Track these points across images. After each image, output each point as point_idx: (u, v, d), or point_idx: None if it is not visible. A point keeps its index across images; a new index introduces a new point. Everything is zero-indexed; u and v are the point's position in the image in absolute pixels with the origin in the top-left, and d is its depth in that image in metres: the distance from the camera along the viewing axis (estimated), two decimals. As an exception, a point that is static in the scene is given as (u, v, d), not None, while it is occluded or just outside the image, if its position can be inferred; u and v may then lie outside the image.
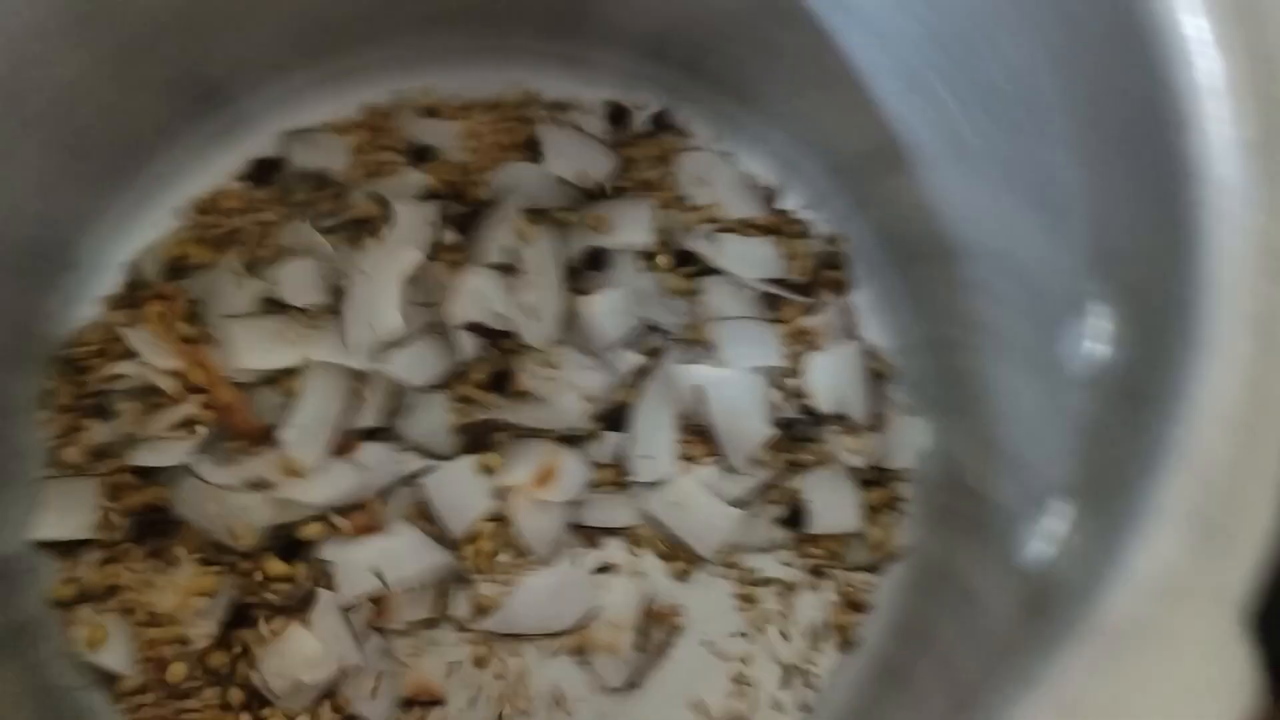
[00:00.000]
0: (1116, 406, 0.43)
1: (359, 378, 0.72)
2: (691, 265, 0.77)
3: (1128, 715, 0.33)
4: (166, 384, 0.72)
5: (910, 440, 0.73)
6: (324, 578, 0.69)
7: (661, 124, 0.82)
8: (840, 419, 0.74)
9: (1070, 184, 0.50)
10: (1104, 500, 0.41)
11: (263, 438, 0.71)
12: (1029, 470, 0.56)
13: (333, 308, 0.75)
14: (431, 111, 0.82)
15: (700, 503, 0.72)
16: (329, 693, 0.68)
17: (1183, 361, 0.37)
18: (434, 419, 0.73)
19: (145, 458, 0.70)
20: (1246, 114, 0.40)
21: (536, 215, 0.77)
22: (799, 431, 0.74)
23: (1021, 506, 0.56)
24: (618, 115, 0.82)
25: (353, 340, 0.73)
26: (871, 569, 0.73)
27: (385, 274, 0.74)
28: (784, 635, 0.71)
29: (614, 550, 0.73)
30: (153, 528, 0.70)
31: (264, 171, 0.79)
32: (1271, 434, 0.35)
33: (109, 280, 0.77)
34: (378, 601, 0.69)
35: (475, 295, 0.74)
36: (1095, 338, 0.46)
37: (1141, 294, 0.43)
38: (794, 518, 0.72)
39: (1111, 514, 0.38)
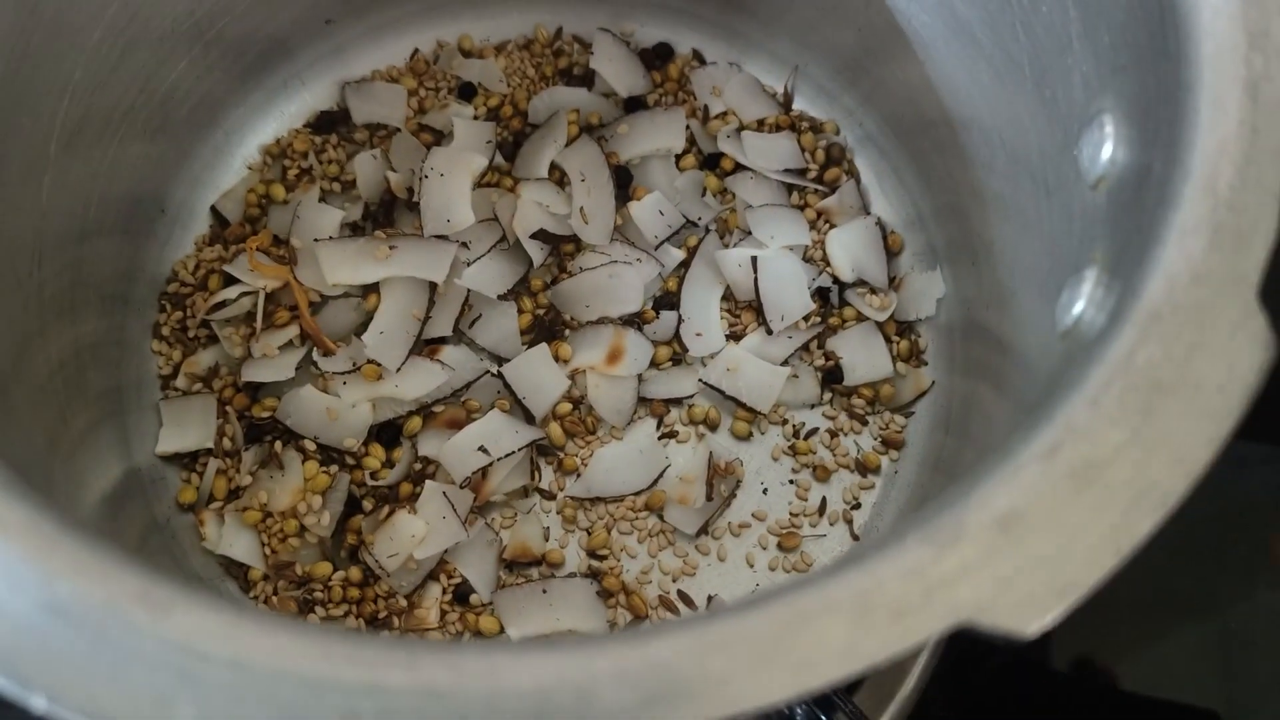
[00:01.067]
0: (1132, 184, 0.52)
1: (434, 290, 0.80)
2: (717, 165, 0.86)
3: (1179, 370, 0.41)
4: (264, 307, 0.80)
5: (926, 293, 0.82)
6: (426, 473, 0.78)
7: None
8: (862, 283, 0.83)
9: (1064, 27, 0.59)
10: (1126, 254, 0.50)
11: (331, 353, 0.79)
12: (1041, 282, 0.64)
13: (405, 216, 0.83)
14: (471, 53, 0.90)
15: (751, 366, 0.80)
16: (439, 565, 0.76)
17: (1187, 122, 0.46)
18: (505, 325, 0.82)
19: (255, 374, 0.79)
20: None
21: (581, 130, 0.86)
22: (828, 297, 0.83)
23: (1037, 322, 0.64)
24: (662, 50, 0.91)
25: (429, 229, 0.81)
26: (903, 410, 0.82)
27: (456, 173, 0.82)
28: (831, 475, 0.80)
29: (677, 417, 0.81)
30: (264, 436, 0.79)
31: (327, 121, 0.88)
32: (1266, 158, 0.45)
33: (198, 224, 0.85)
34: (475, 485, 0.77)
35: (534, 205, 0.82)
36: (1103, 143, 0.55)
37: (1144, 93, 0.52)
38: (832, 373, 0.81)
39: (1135, 257, 0.47)
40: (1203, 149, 0.46)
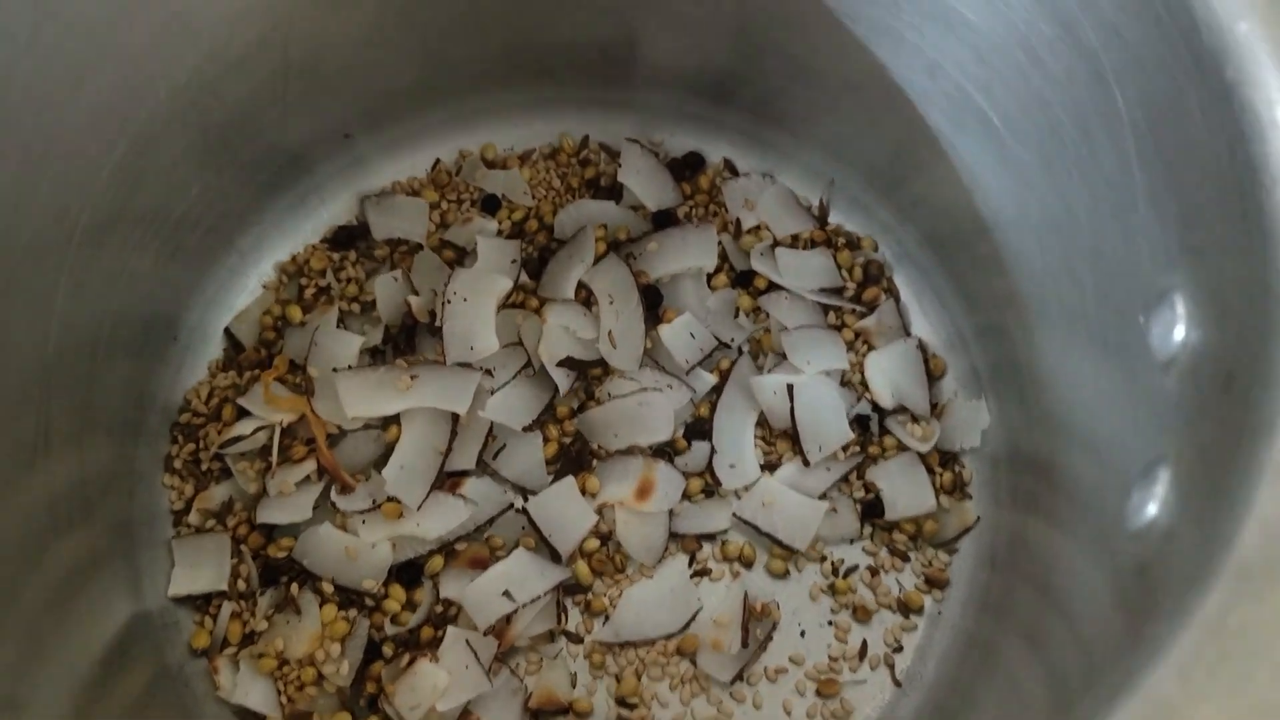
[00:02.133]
0: (1200, 383, 0.49)
1: (457, 420, 0.77)
2: (750, 284, 0.83)
3: (1276, 634, 0.38)
4: (279, 441, 0.77)
5: (971, 422, 0.79)
6: (448, 616, 0.74)
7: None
8: (903, 410, 0.80)
9: (1128, 187, 0.56)
10: (1202, 465, 0.46)
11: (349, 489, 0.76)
12: (1105, 440, 0.61)
13: (428, 344, 0.80)
14: (495, 163, 0.87)
15: (787, 501, 0.77)
16: (462, 715, 0.73)
17: (1275, 336, 0.43)
18: (531, 456, 0.78)
19: (270, 515, 0.76)
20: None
21: (609, 248, 0.82)
22: (867, 426, 0.80)
23: (1101, 474, 0.61)
24: (693, 160, 0.87)
25: (452, 357, 0.78)
26: (947, 547, 0.78)
27: (479, 297, 0.79)
28: (872, 615, 0.77)
29: (710, 553, 0.78)
30: (280, 577, 0.76)
31: (346, 237, 0.85)
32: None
33: (212, 348, 0.82)
34: (499, 630, 0.73)
35: (561, 330, 0.79)
36: (1174, 323, 0.52)
37: (1221, 284, 0.48)
38: (872, 507, 0.78)
39: (1212, 476, 0.44)
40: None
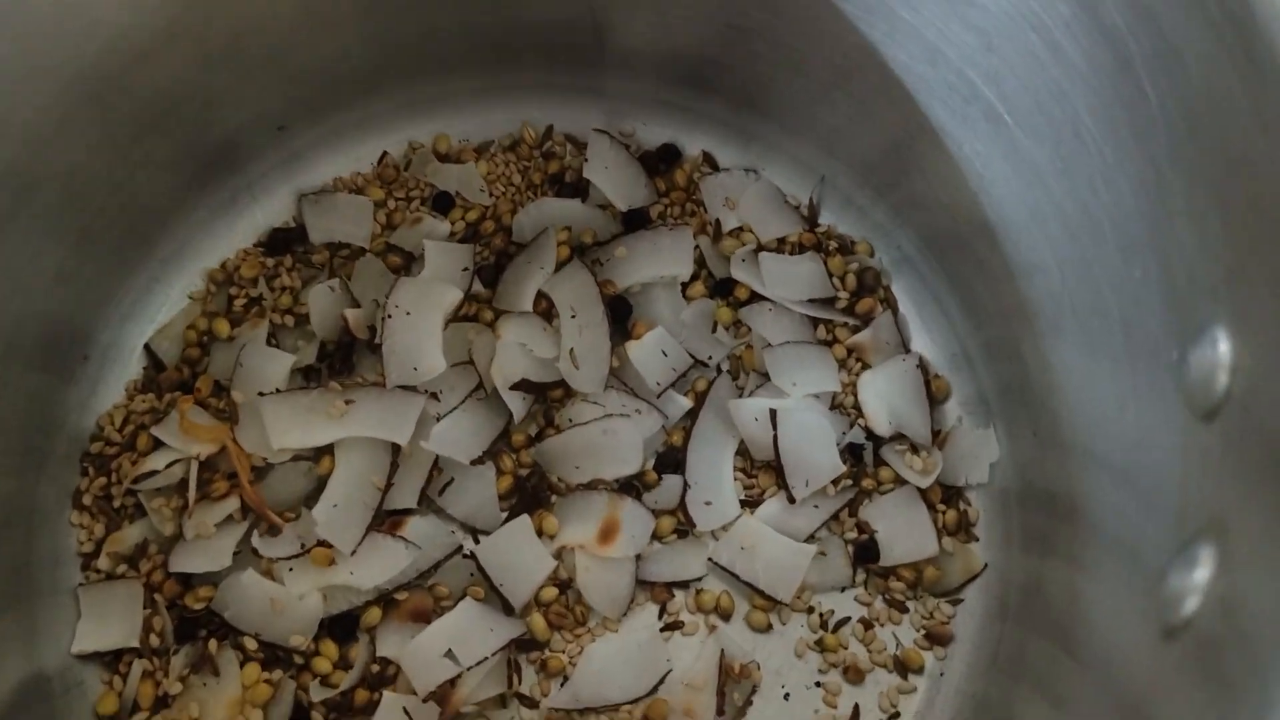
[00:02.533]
0: (1249, 441, 0.40)
1: (398, 452, 0.68)
2: (730, 294, 0.74)
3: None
4: (198, 476, 0.68)
5: (979, 454, 0.70)
6: (385, 677, 0.66)
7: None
8: (902, 438, 0.71)
9: (1161, 198, 0.47)
10: (1262, 553, 0.37)
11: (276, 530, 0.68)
12: (1133, 490, 0.52)
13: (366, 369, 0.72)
14: (448, 156, 0.78)
15: (770, 544, 0.69)
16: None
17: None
18: (481, 491, 0.70)
19: (185, 563, 0.67)
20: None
21: (572, 252, 0.74)
22: (861, 455, 0.71)
23: (1129, 520, 0.52)
24: (668, 153, 0.78)
25: (393, 379, 0.69)
26: (951, 597, 0.69)
27: (425, 311, 0.71)
28: (866, 676, 0.68)
29: (683, 603, 0.69)
30: (198, 631, 0.67)
31: (281, 240, 0.76)
32: None
33: (129, 366, 0.74)
34: (442, 694, 0.65)
35: (516, 347, 0.70)
36: (1216, 367, 0.42)
37: (1268, 322, 0.39)
38: (866, 550, 0.69)
39: (1263, 560, 0.35)
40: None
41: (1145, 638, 0.47)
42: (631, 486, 0.70)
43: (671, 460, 0.71)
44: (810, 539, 0.69)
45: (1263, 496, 0.38)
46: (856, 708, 0.68)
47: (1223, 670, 0.38)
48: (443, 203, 0.77)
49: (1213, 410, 0.43)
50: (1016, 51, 0.55)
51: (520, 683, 0.68)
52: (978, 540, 0.70)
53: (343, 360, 0.72)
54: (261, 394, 0.69)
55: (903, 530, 0.69)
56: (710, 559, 0.69)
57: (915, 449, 0.71)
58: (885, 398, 0.72)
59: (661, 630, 0.69)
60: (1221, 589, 0.40)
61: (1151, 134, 0.47)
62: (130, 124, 0.66)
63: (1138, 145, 0.48)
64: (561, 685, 0.67)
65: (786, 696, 0.68)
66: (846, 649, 0.69)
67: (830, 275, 0.74)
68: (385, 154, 0.79)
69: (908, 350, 0.74)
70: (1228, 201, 0.43)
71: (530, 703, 0.67)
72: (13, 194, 0.61)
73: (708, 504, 0.70)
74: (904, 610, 0.69)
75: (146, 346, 0.74)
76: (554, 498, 0.70)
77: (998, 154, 0.61)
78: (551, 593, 0.68)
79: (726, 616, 0.69)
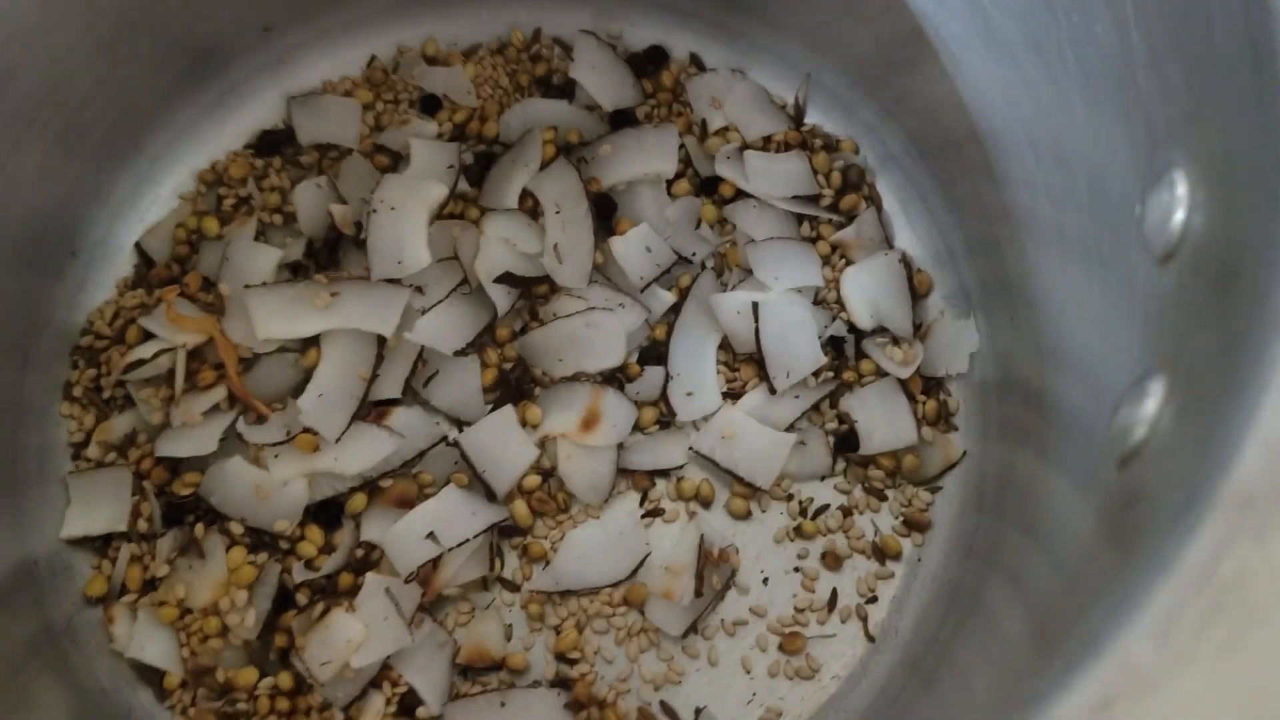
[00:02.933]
0: (1203, 275, 0.40)
1: (382, 343, 0.69)
2: (715, 191, 0.74)
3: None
4: (185, 366, 0.69)
5: (958, 345, 0.70)
6: (369, 561, 0.67)
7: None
8: (883, 331, 0.71)
9: (1124, 54, 0.47)
10: (1198, 375, 0.38)
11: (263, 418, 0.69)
12: (1098, 359, 0.52)
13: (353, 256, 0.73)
14: (436, 60, 0.78)
15: (750, 433, 0.69)
16: (383, 671, 0.65)
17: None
18: (466, 383, 0.71)
19: (172, 447, 0.68)
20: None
21: (558, 151, 0.74)
22: (842, 348, 0.71)
23: (1093, 399, 0.52)
24: (655, 55, 0.78)
25: (377, 272, 0.70)
26: (930, 485, 0.70)
27: (410, 206, 0.71)
28: (844, 562, 0.69)
29: (664, 491, 0.70)
30: (185, 516, 0.68)
31: (270, 142, 0.76)
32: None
33: (119, 263, 0.74)
34: (424, 577, 0.66)
35: (500, 242, 0.71)
36: (1174, 207, 0.43)
37: (1227, 153, 0.39)
38: (846, 440, 0.69)
39: (1209, 388, 0.35)
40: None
41: (1094, 516, 0.48)
42: (614, 379, 0.71)
43: (654, 354, 0.71)
44: (790, 429, 0.70)
45: (1211, 323, 0.39)
46: (835, 592, 0.68)
47: (1142, 540, 0.38)
48: (430, 105, 0.78)
49: (1170, 251, 0.43)
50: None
51: (503, 568, 0.68)
52: (957, 430, 0.70)
53: (329, 256, 0.73)
54: (248, 286, 0.70)
55: (882, 420, 0.70)
56: (691, 448, 0.70)
57: (896, 341, 0.71)
58: (868, 292, 0.72)
59: (642, 517, 0.69)
60: (1168, 417, 0.40)
61: (1117, -7, 0.47)
62: (113, 16, 0.66)
63: (1105, 7, 0.48)
64: (543, 569, 0.68)
65: (765, 581, 0.69)
66: (825, 536, 0.69)
67: (815, 173, 0.74)
68: (374, 57, 0.79)
69: (891, 246, 0.74)
70: (1185, 46, 0.43)
71: (512, 586, 0.68)
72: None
73: (689, 395, 0.70)
74: (883, 498, 0.70)
75: (137, 245, 0.75)
76: (536, 390, 0.71)
77: (975, 37, 0.61)
78: (534, 480, 0.69)
79: (707, 504, 0.70)
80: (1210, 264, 0.40)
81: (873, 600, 0.68)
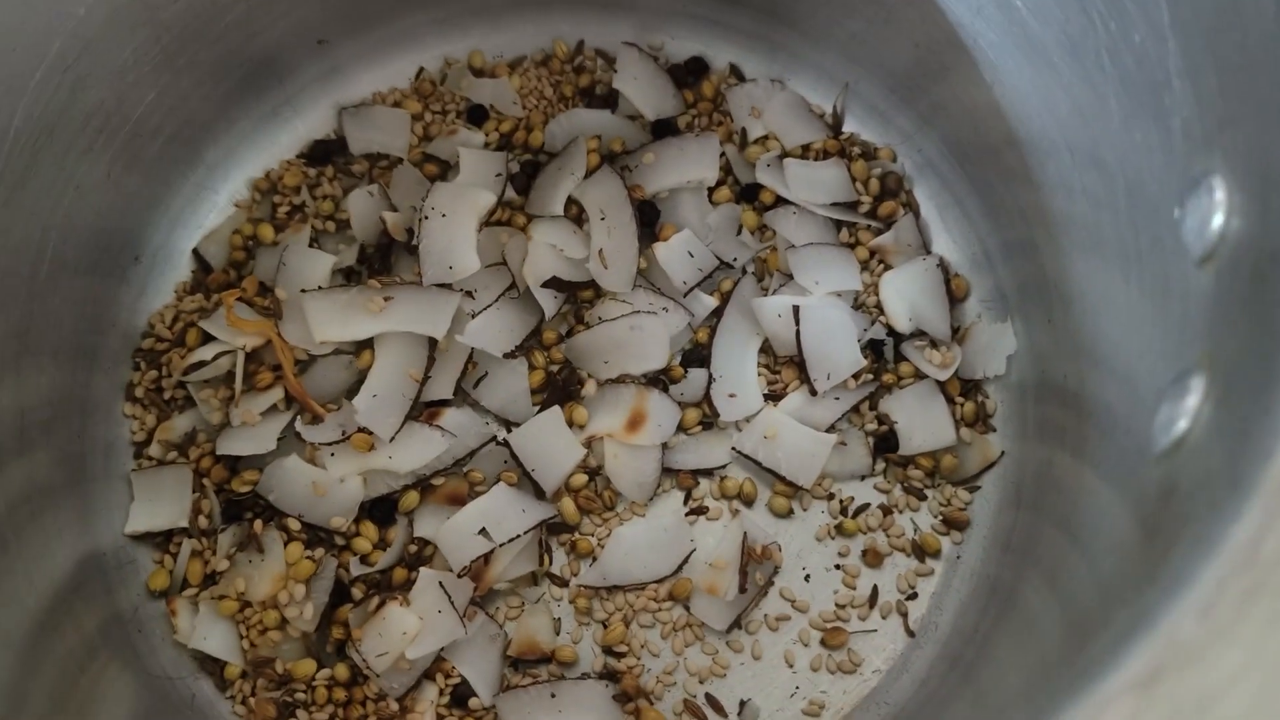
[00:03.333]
0: (1241, 275, 0.42)
1: (434, 346, 0.71)
2: (755, 198, 0.76)
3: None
4: (244, 368, 0.71)
5: (996, 347, 0.71)
6: (422, 557, 0.69)
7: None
8: (921, 335, 0.73)
9: (1160, 61, 0.48)
10: (1237, 370, 0.39)
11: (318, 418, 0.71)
12: (1135, 359, 0.54)
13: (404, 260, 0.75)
14: (482, 71, 0.81)
15: (792, 433, 0.71)
16: (436, 663, 0.67)
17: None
18: (514, 384, 0.73)
19: (232, 446, 0.70)
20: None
21: (602, 160, 0.76)
22: (881, 351, 0.73)
23: (1129, 398, 0.54)
24: (695, 66, 0.81)
25: (429, 277, 0.72)
26: (968, 484, 0.71)
27: (460, 213, 0.73)
28: (884, 559, 0.70)
29: (707, 490, 0.72)
30: (244, 513, 0.70)
31: (322, 151, 0.79)
32: None
33: (178, 269, 0.77)
34: (476, 572, 0.68)
35: (547, 248, 0.73)
36: (1212, 211, 0.44)
37: (1266, 158, 0.41)
38: (886, 440, 0.71)
39: (1248, 382, 0.37)
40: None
41: (1131, 511, 0.49)
42: (658, 381, 0.73)
43: (697, 357, 0.73)
44: (831, 429, 0.72)
45: (1249, 320, 0.40)
46: (875, 588, 0.70)
47: (1184, 527, 0.40)
48: (477, 115, 0.80)
49: (1209, 254, 0.45)
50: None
51: (551, 563, 0.70)
52: (994, 430, 0.72)
53: (381, 261, 0.75)
54: (304, 291, 0.72)
55: (921, 421, 0.72)
56: (734, 448, 0.72)
57: (935, 344, 0.73)
58: (906, 296, 0.74)
59: (687, 515, 0.71)
60: (1208, 411, 0.42)
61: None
62: (177, 29, 0.69)
63: (1140, 12, 0.50)
64: (590, 565, 0.70)
65: (807, 578, 0.70)
66: (865, 534, 0.71)
67: (853, 180, 0.76)
68: (422, 69, 0.82)
69: (928, 251, 0.75)
70: (1219, 52, 0.44)
71: (560, 581, 0.70)
72: (66, 89, 0.64)
73: (732, 396, 0.72)
74: (922, 498, 0.71)
75: (195, 251, 0.77)
76: (583, 392, 0.73)
77: (1011, 44, 0.63)
78: (581, 479, 0.71)
79: (749, 502, 0.72)
80: (1247, 264, 0.42)
81: (913, 596, 0.70)
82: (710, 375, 0.72)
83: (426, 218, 0.73)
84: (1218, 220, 0.44)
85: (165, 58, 0.70)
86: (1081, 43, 0.56)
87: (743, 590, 0.68)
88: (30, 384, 0.65)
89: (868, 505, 0.71)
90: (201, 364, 0.71)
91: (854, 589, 0.70)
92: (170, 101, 0.72)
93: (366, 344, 0.72)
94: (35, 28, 0.61)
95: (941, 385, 0.72)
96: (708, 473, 0.72)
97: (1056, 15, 0.57)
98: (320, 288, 0.73)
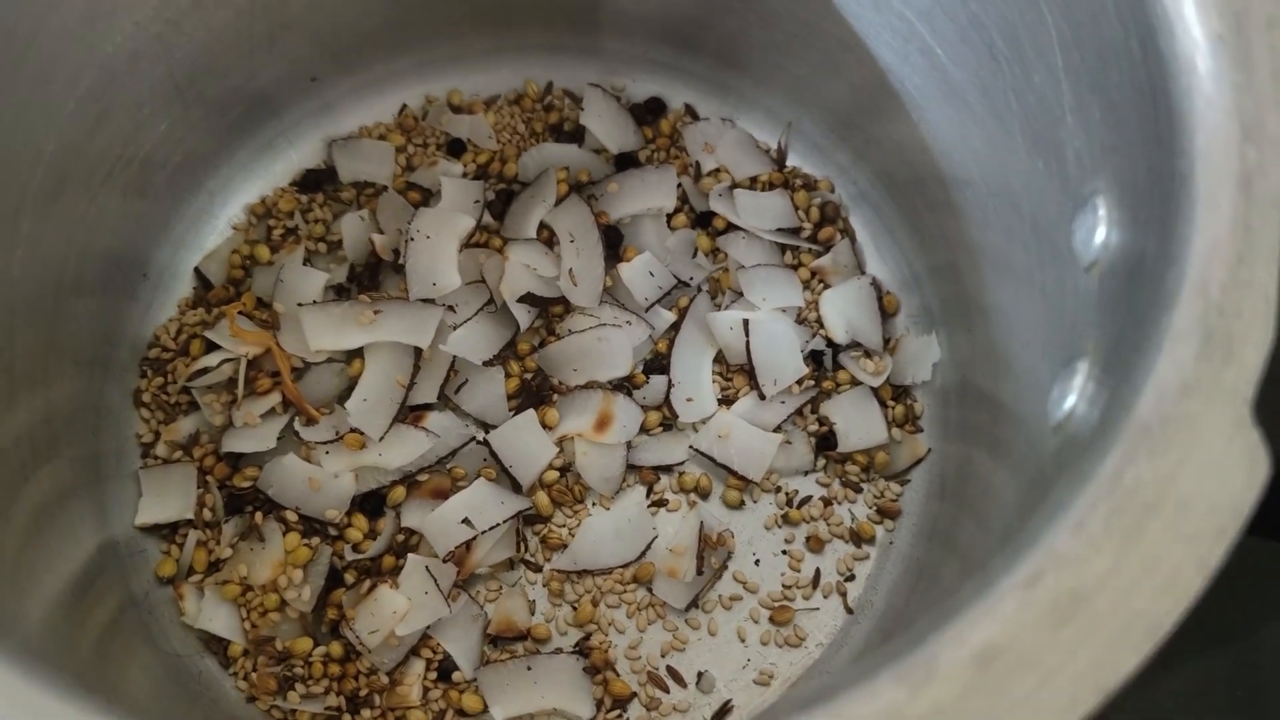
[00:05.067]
0: (1118, 276, 0.50)
1: (419, 355, 0.78)
2: (709, 224, 0.85)
3: (1167, 489, 0.40)
4: (245, 374, 0.78)
5: (923, 356, 0.80)
6: (409, 545, 0.76)
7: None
8: (857, 346, 0.81)
9: (1057, 99, 0.57)
10: (1113, 348, 0.48)
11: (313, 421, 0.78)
12: (1037, 360, 0.62)
13: (391, 282, 0.82)
14: (460, 108, 0.89)
15: (743, 433, 0.79)
16: (422, 641, 0.74)
17: (1180, 216, 0.44)
18: (492, 390, 0.80)
19: (236, 444, 0.77)
20: (1212, 11, 0.47)
21: (570, 189, 0.84)
22: (821, 360, 0.81)
23: (1033, 393, 0.62)
24: (654, 105, 0.89)
25: (415, 293, 0.79)
26: (899, 478, 0.80)
27: (442, 235, 0.80)
28: (825, 545, 0.78)
29: (667, 484, 0.80)
30: (245, 506, 0.77)
31: (313, 180, 0.86)
32: (1259, 258, 0.43)
33: (181, 286, 0.84)
34: (459, 557, 0.75)
35: (522, 267, 0.81)
36: (1096, 226, 0.53)
37: (1136, 179, 0.50)
38: (826, 440, 0.79)
39: (1121, 356, 0.45)
40: (1195, 246, 0.44)
41: (1029, 486, 0.57)
42: (623, 386, 0.80)
43: (658, 365, 0.81)
44: (777, 430, 0.79)
45: (1121, 309, 0.49)
46: (818, 571, 0.78)
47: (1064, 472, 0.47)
48: (456, 148, 0.88)
49: (1094, 261, 0.54)
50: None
51: (527, 550, 0.78)
52: (922, 430, 0.80)
53: (370, 279, 0.82)
54: (300, 305, 0.80)
55: (857, 423, 0.80)
56: (691, 446, 0.79)
57: (869, 354, 0.81)
58: (843, 312, 0.82)
59: (649, 506, 0.78)
60: (1091, 387, 0.51)
61: (1048, 46, 0.57)
62: (187, 67, 0.76)
63: (1038, 59, 0.58)
64: (562, 552, 0.77)
65: (757, 562, 0.78)
66: (808, 523, 0.79)
67: (796, 208, 0.85)
68: (405, 106, 0.89)
69: (863, 272, 0.84)
70: (1104, 88, 0.53)
71: (535, 566, 0.77)
72: (93, 119, 0.71)
73: (689, 400, 0.80)
74: (858, 490, 0.79)
75: (196, 269, 0.84)
76: (555, 396, 0.80)
77: (933, 87, 0.71)
78: (554, 475, 0.78)
79: (705, 495, 0.79)
80: (1122, 267, 0.51)
81: (850, 578, 0.78)
82: (670, 381, 0.80)
83: (412, 239, 0.80)
84: (1101, 233, 0.53)
85: (176, 93, 0.76)
86: (992, 85, 0.64)
87: (700, 573, 0.75)
88: (57, 393, 0.71)
89: (810, 497, 0.79)
90: (206, 370, 0.78)
91: (799, 571, 0.78)
92: (179, 133, 0.79)
93: (357, 353, 0.79)
94: (71, 63, 0.67)
95: (875, 390, 0.80)
96: (668, 469, 0.80)
97: (971, 61, 0.66)
98: (315, 302, 0.80)
